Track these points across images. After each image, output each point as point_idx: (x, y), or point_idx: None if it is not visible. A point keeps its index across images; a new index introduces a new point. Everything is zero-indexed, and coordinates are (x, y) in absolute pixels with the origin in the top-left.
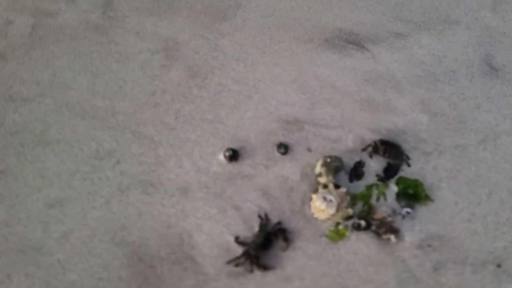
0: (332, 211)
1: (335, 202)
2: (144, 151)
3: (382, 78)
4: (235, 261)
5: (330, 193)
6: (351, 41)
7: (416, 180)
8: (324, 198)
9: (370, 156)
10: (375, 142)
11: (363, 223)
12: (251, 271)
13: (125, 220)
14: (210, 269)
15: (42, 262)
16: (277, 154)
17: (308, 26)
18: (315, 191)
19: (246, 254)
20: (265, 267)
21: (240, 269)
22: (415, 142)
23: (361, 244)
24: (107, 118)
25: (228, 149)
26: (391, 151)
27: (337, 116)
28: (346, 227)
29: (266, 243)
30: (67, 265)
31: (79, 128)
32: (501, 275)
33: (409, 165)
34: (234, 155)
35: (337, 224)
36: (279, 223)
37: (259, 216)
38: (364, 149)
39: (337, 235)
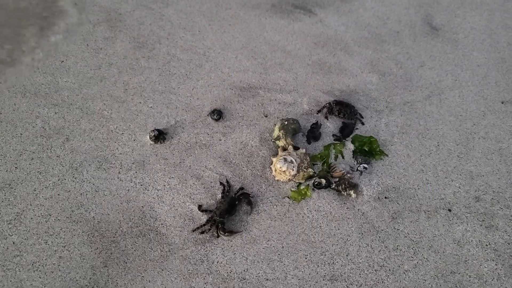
0: (293, 172)
1: (295, 163)
2: (95, 126)
3: (331, 41)
4: (200, 229)
5: (290, 154)
6: (298, 6)
7: (370, 137)
8: (285, 160)
9: (326, 117)
10: (329, 104)
11: (323, 181)
12: (218, 236)
13: (81, 197)
14: (176, 238)
15: None
16: (234, 122)
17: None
18: (275, 154)
19: (211, 221)
20: (231, 232)
21: (206, 235)
22: (367, 101)
23: (323, 201)
24: (51, 94)
25: (154, 130)
26: (345, 111)
27: (290, 80)
28: (307, 186)
29: (230, 208)
30: (24, 247)
31: (21, 107)
32: (452, 218)
33: (363, 123)
34: (160, 135)
35: (299, 184)
36: (241, 188)
37: (221, 183)
38: (319, 111)
39: (299, 195)
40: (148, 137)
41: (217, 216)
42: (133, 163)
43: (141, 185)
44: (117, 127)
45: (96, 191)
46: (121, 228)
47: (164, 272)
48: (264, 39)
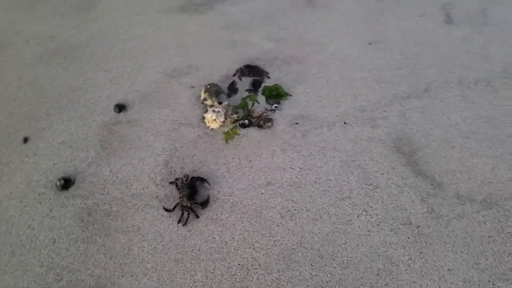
0: (222, 118)
1: (222, 112)
2: None
3: (234, 25)
4: (182, 219)
5: (217, 107)
6: (202, 4)
7: (276, 85)
8: (213, 111)
9: (240, 78)
10: (240, 68)
11: (247, 122)
12: (197, 216)
13: None
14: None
15: None
16: (169, 99)
17: (165, 0)
18: (206, 111)
19: (185, 209)
20: (204, 202)
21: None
22: (269, 62)
23: (251, 135)
24: None
25: (60, 178)
26: (254, 71)
27: (208, 59)
28: (235, 127)
29: (192, 190)
30: None
31: None
32: (346, 127)
33: (268, 77)
34: (66, 184)
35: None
36: (186, 175)
37: (172, 182)
38: (234, 75)
39: (231, 135)
40: (55, 187)
41: (187, 202)
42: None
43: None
44: None
45: None
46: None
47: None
48: (181, 33)
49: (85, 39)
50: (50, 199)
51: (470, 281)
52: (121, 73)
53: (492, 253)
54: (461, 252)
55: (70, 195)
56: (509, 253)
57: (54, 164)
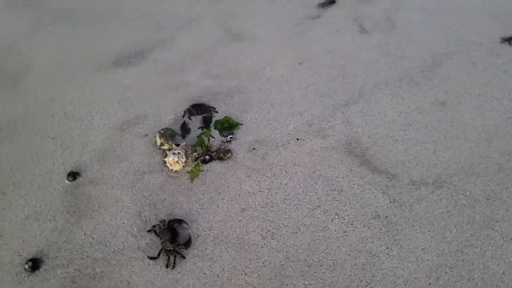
0: (184, 159)
1: (182, 153)
2: None
3: (170, 71)
4: (170, 264)
5: (175, 149)
6: (133, 55)
7: (226, 117)
8: (174, 154)
9: (189, 118)
10: (188, 108)
11: (207, 157)
12: (183, 257)
13: None
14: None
15: None
16: (127, 151)
17: (96, 58)
18: (165, 156)
19: (170, 253)
20: (186, 243)
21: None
22: (212, 97)
23: (214, 169)
24: None
25: (27, 261)
26: (201, 108)
27: (153, 106)
28: (198, 164)
29: (173, 233)
30: None
31: None
32: (300, 143)
33: (216, 112)
34: (35, 264)
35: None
36: (163, 221)
37: (153, 226)
38: (183, 116)
39: (195, 173)
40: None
41: (170, 246)
42: None
43: None
44: None
45: None
46: None
47: None
48: (120, 86)
49: (23, 110)
50: (29, 276)
51: (442, 254)
52: (70, 136)
53: (454, 225)
54: (428, 231)
55: (49, 267)
56: (467, 222)
57: (23, 241)
